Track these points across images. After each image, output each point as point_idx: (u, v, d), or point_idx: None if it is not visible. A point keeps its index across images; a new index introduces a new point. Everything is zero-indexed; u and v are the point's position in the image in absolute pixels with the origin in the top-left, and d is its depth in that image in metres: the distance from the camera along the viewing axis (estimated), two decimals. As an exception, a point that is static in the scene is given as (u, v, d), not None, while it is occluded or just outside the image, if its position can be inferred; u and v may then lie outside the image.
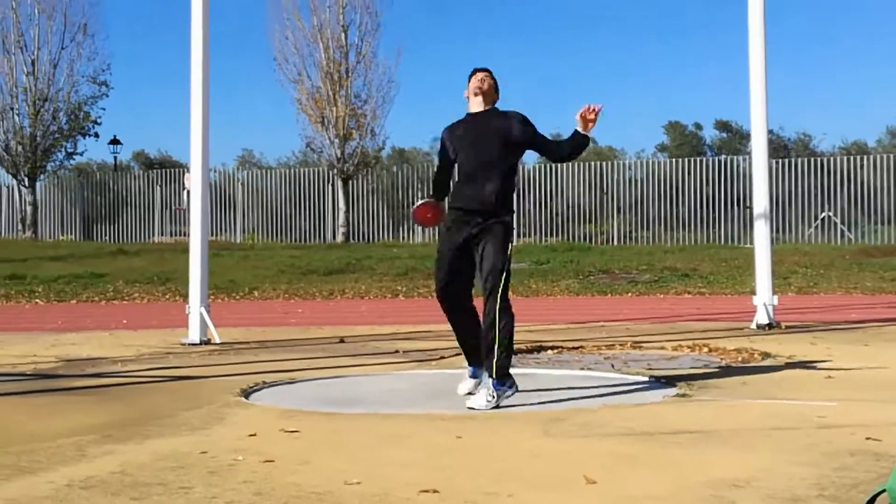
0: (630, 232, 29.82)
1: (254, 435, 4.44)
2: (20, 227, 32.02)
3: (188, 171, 9.80)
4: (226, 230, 32.27)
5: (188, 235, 9.56)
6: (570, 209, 29.87)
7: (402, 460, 3.90)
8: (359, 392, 6.02)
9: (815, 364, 6.81)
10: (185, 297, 9.73)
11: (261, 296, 16.13)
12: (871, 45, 76.71)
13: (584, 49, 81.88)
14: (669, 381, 6.06)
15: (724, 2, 64.58)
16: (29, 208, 31.64)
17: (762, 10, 9.72)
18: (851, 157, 30.78)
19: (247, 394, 5.83)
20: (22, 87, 30.71)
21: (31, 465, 3.86)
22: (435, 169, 5.89)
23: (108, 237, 32.77)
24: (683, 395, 5.57)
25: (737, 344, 8.06)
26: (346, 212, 30.26)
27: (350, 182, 30.41)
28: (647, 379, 6.24)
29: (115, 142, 38.07)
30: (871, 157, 29.26)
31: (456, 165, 5.53)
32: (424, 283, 17.42)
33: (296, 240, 30.90)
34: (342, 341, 8.96)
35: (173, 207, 32.08)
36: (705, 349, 7.88)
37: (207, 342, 8.88)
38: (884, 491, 2.86)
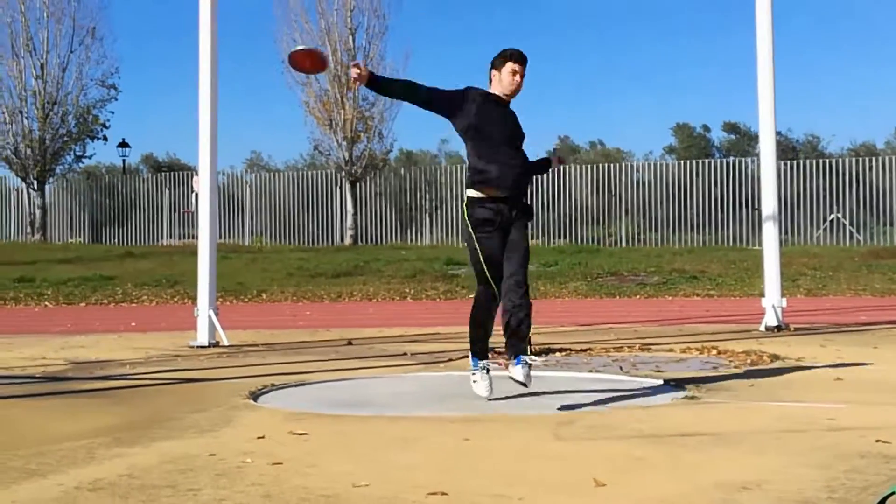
0: (638, 234, 29.75)
1: (262, 437, 4.44)
2: (29, 229, 32.14)
3: (197, 173, 9.81)
4: (234, 233, 32.30)
5: (197, 238, 9.58)
6: (579, 211, 29.84)
7: (411, 463, 3.90)
8: (367, 394, 6.02)
9: (824, 366, 6.79)
10: (194, 299, 9.75)
11: (269, 298, 16.14)
12: (880, 47, 76.50)
13: (591, 52, 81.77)
14: (678, 384, 6.04)
15: (733, 4, 64.50)
16: (38, 211, 31.76)
17: (770, 12, 9.72)
18: (860, 159, 30.66)
19: (255, 396, 5.83)
20: (31, 91, 30.85)
21: (41, 468, 3.87)
22: (431, 93, 5.54)
23: (116, 240, 32.83)
24: (692, 398, 5.56)
25: (745, 346, 8.04)
26: (354, 214, 30.29)
27: (358, 185, 30.44)
28: (655, 381, 6.23)
29: (123, 145, 38.15)
30: (880, 158, 29.14)
31: (478, 146, 5.38)
32: (433, 286, 17.43)
33: (304, 242, 30.92)
34: (350, 343, 8.96)
35: (182, 210, 32.11)
36: (714, 351, 7.86)
37: (216, 344, 8.90)
38: (894, 493, 2.86)
